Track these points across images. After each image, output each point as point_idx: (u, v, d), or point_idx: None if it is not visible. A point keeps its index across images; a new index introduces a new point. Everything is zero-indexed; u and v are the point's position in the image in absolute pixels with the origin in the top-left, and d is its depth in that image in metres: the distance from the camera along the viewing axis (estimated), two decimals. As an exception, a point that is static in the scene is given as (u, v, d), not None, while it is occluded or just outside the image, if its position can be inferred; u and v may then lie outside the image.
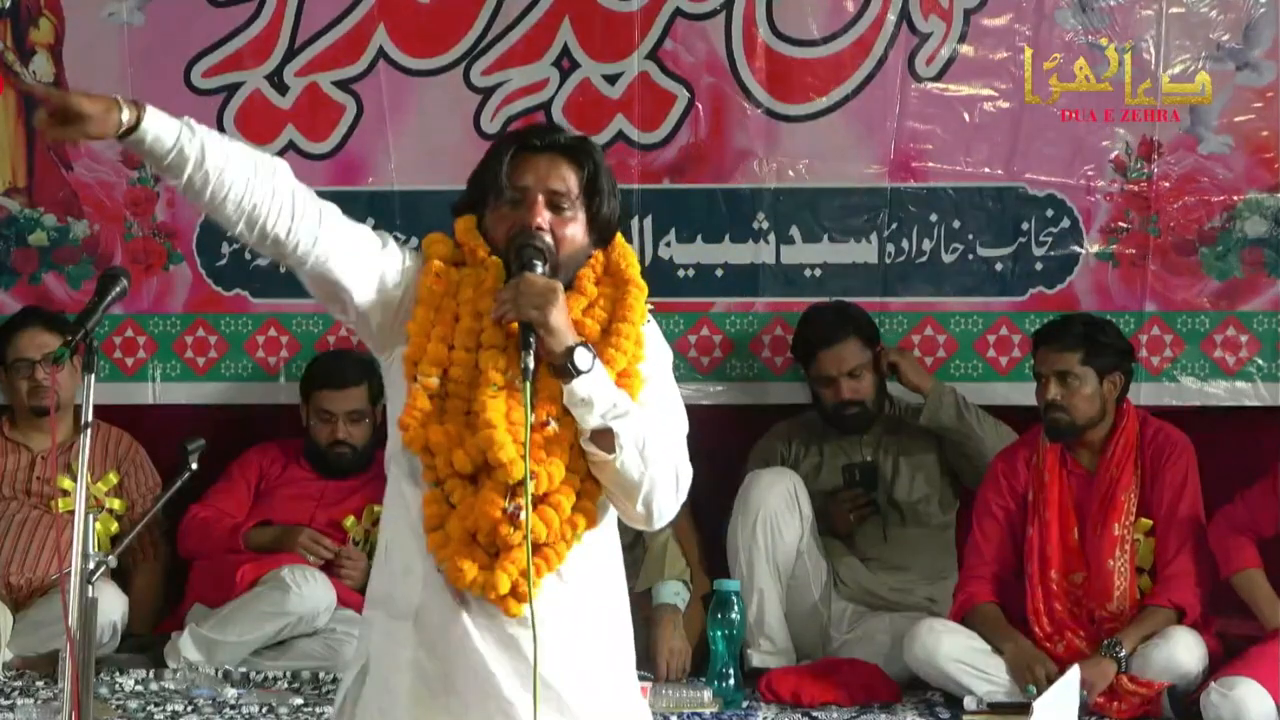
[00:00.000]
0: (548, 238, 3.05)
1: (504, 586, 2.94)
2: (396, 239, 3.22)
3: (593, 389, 2.96)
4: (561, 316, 2.96)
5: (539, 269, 3.01)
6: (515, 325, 2.99)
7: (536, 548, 2.96)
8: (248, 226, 3.04)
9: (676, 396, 3.16)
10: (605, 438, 2.98)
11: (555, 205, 3.08)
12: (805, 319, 5.69)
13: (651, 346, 3.12)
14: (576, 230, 3.09)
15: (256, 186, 3.00)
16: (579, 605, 3.06)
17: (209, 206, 2.99)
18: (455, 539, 2.97)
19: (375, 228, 6.23)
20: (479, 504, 2.95)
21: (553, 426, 2.98)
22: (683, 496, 3.11)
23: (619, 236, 3.18)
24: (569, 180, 3.09)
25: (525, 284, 2.97)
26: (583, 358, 2.95)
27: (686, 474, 3.10)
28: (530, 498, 2.94)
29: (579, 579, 3.05)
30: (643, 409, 3.02)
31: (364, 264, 3.14)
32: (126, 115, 2.98)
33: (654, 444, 3.02)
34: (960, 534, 5.55)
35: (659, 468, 3.03)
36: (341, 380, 5.74)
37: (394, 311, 3.10)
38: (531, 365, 2.94)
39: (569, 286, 3.06)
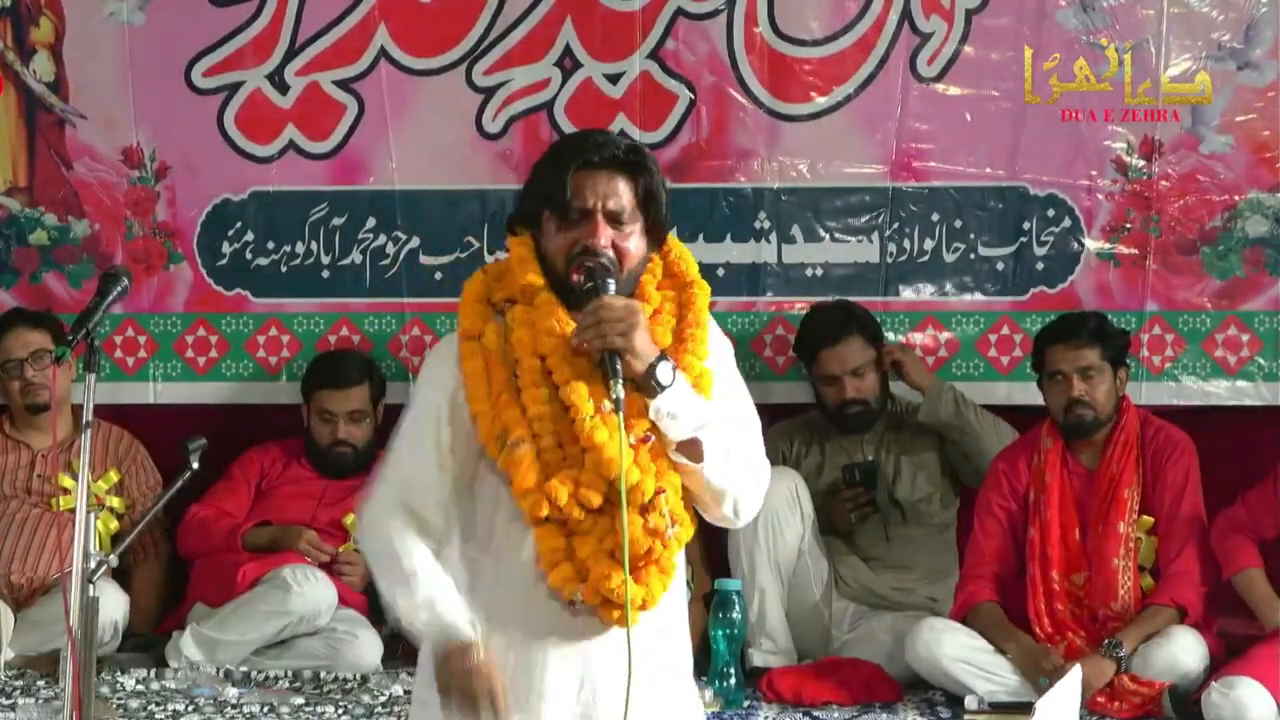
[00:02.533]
0: (610, 253, 3.03)
1: (641, 596, 2.97)
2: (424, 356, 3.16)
3: (677, 402, 2.97)
4: (644, 336, 2.95)
5: (612, 288, 2.98)
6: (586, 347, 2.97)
7: (657, 558, 2.99)
8: None
9: (744, 388, 3.16)
10: (692, 447, 2.99)
11: (614, 220, 3.05)
12: (809, 318, 5.69)
13: (715, 341, 3.12)
14: (637, 242, 3.07)
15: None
16: (657, 610, 3.07)
17: None
18: (588, 562, 2.97)
19: (376, 227, 6.29)
20: (624, 528, 2.94)
21: (653, 440, 2.99)
22: (763, 493, 3.12)
23: (672, 235, 3.16)
24: (627, 195, 3.06)
25: (605, 309, 2.93)
26: (665, 373, 2.95)
27: (766, 471, 3.12)
28: (662, 515, 2.97)
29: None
30: (716, 408, 3.03)
31: (450, 474, 3.08)
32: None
33: (737, 447, 3.04)
34: (962, 533, 5.55)
35: (743, 469, 3.05)
36: (343, 380, 5.74)
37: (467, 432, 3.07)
38: (623, 395, 2.92)
39: (631, 295, 3.04)
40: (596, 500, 2.95)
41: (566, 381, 2.98)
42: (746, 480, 3.07)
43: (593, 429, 2.95)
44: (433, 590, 2.99)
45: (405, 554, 3.01)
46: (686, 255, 3.16)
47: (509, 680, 2.99)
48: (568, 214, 3.03)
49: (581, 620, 3.02)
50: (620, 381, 2.92)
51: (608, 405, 2.94)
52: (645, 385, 2.95)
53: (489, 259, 5.92)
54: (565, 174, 3.05)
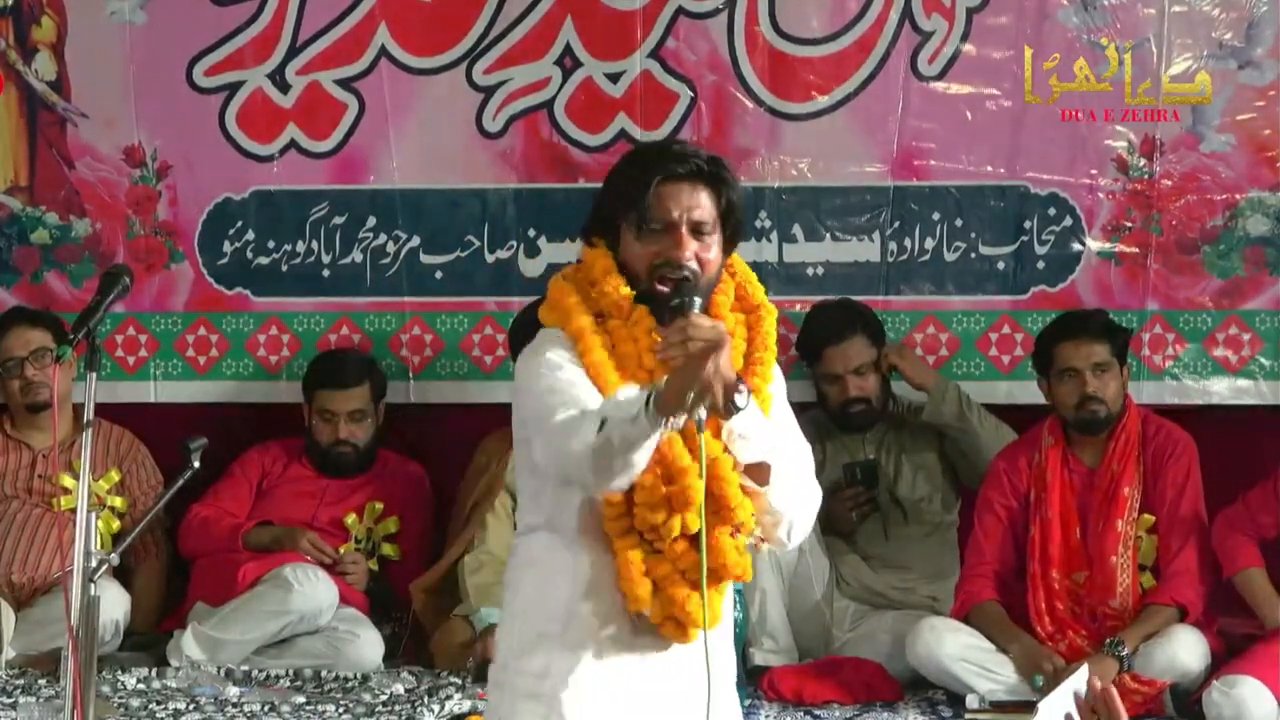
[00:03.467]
0: (694, 265, 3.02)
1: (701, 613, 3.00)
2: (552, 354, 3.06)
3: (750, 425, 2.97)
4: (729, 360, 2.93)
5: (698, 306, 2.96)
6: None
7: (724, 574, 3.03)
8: None
9: (793, 416, 3.19)
10: (760, 470, 3.01)
11: (697, 232, 3.04)
12: (812, 316, 5.69)
13: (774, 367, 3.15)
14: (716, 252, 3.06)
15: None
16: (721, 625, 3.12)
17: None
18: (663, 581, 3.00)
19: (377, 226, 6.30)
20: (715, 546, 2.97)
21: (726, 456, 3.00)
22: (814, 518, 3.15)
23: (736, 256, 3.16)
24: (709, 207, 3.04)
25: (694, 328, 2.90)
26: (742, 397, 2.94)
27: (818, 496, 3.14)
28: (751, 534, 3.02)
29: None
30: (779, 430, 3.05)
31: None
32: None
33: (796, 475, 3.06)
34: (963, 533, 5.55)
35: (802, 495, 3.08)
36: (343, 380, 5.74)
37: None
38: (704, 416, 2.90)
39: (705, 310, 3.02)
40: (696, 524, 2.96)
41: None
42: (803, 505, 3.09)
43: (681, 455, 2.94)
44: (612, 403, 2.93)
45: (592, 415, 2.93)
46: (753, 278, 3.16)
47: (578, 685, 3.02)
48: (649, 225, 3.02)
49: (644, 636, 3.04)
50: (704, 404, 2.90)
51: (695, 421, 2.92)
52: (722, 407, 2.94)
53: (489, 258, 5.93)
54: (649, 185, 3.02)
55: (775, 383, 3.12)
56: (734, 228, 3.08)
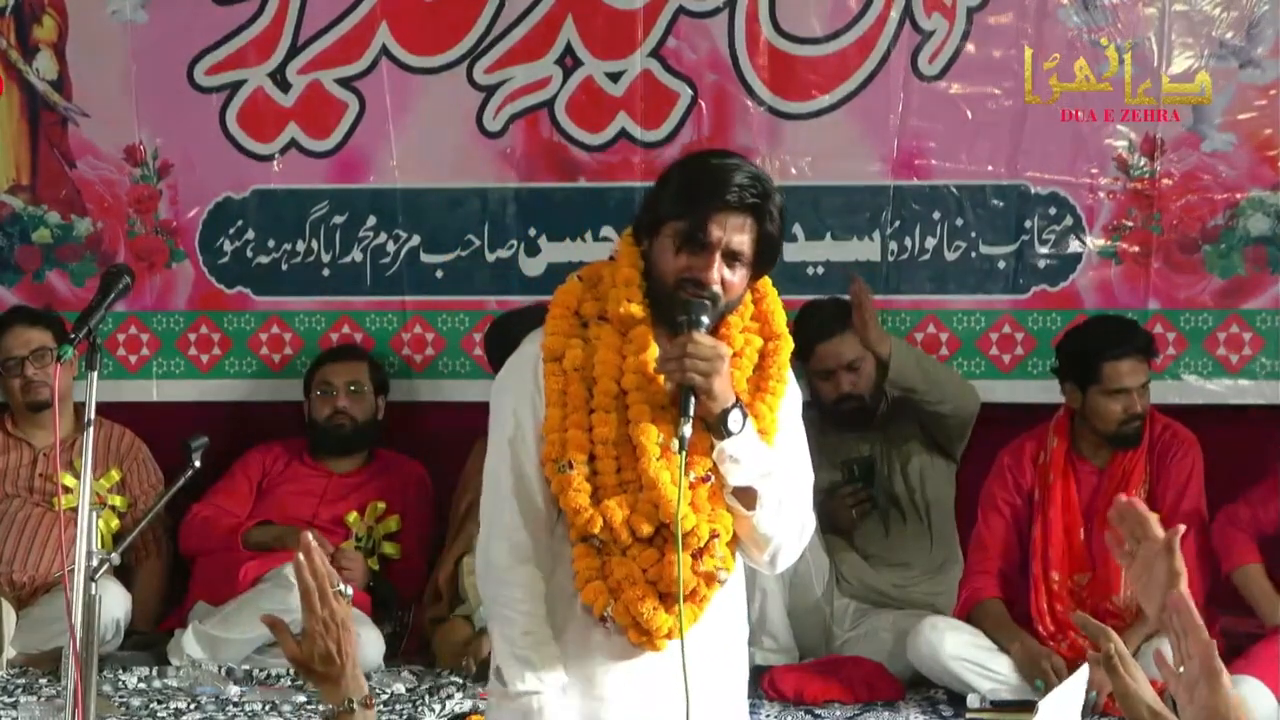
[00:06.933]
0: (717, 288, 3.06)
1: (663, 622, 3.04)
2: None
3: (742, 449, 3.02)
4: (724, 382, 3.00)
5: (705, 325, 3.02)
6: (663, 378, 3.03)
7: (701, 596, 3.08)
8: None
9: (804, 442, 3.21)
10: (747, 494, 3.05)
11: (730, 258, 3.07)
12: (804, 313, 5.67)
13: (789, 391, 3.18)
14: (743, 277, 3.10)
15: None
16: (709, 635, 3.12)
17: None
18: (623, 584, 3.04)
19: (377, 225, 6.31)
20: (668, 565, 3.02)
21: (713, 480, 3.05)
22: (804, 546, 3.20)
23: (767, 280, 3.20)
24: (749, 236, 3.07)
25: (694, 346, 2.98)
26: (735, 420, 3.00)
27: (811, 524, 3.19)
28: (714, 558, 3.06)
29: (711, 612, 3.14)
30: (778, 457, 3.08)
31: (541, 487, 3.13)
32: None
33: (789, 503, 3.10)
34: (963, 529, 5.54)
35: (791, 522, 3.12)
36: (344, 355, 5.82)
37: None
38: (688, 435, 2.97)
39: (716, 329, 3.08)
40: (648, 530, 3.02)
41: (639, 420, 3.03)
42: (792, 533, 3.13)
43: (656, 470, 3.00)
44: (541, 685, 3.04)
45: (529, 629, 3.06)
46: (777, 305, 3.20)
47: (556, 689, 3.07)
48: (691, 239, 3.05)
49: (620, 641, 3.07)
50: (690, 421, 2.97)
51: (675, 444, 2.99)
52: (715, 427, 3.01)
53: (489, 257, 5.93)
54: (703, 212, 3.04)
55: (788, 410, 3.15)
56: (768, 260, 3.13)
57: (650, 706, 3.09)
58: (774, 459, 3.08)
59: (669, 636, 3.04)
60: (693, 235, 3.04)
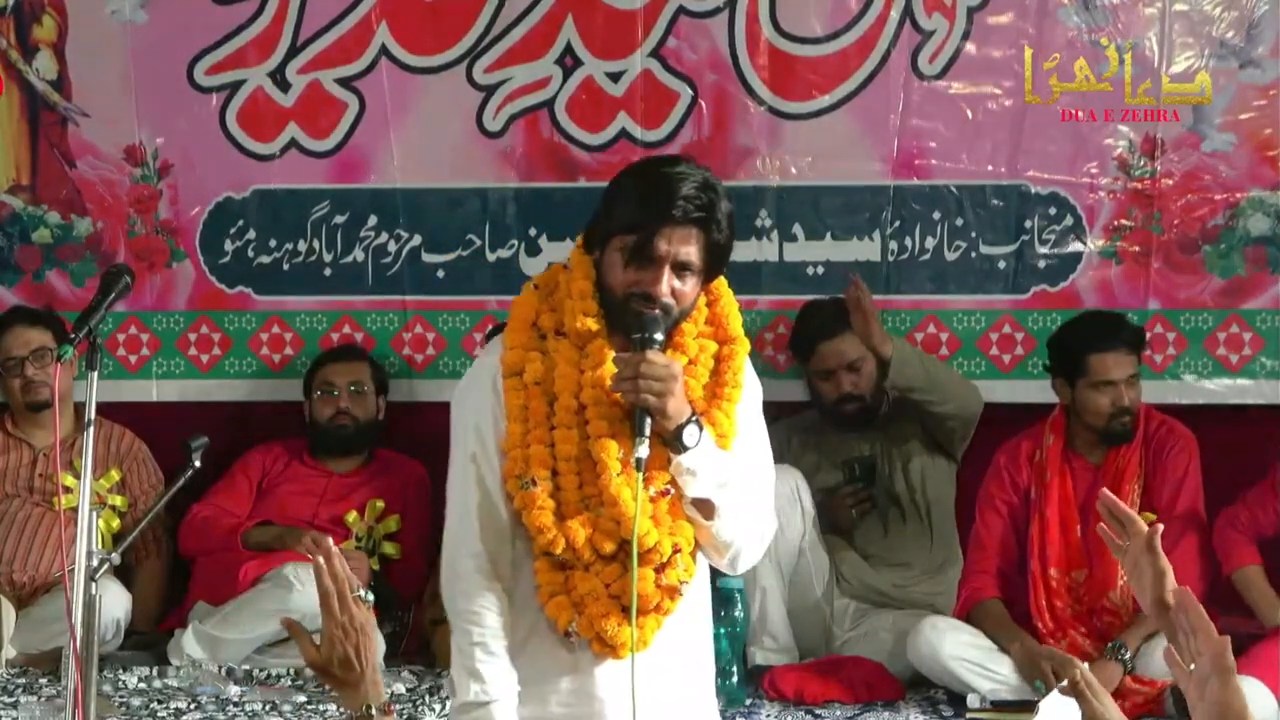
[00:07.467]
0: (668, 300, 3.06)
1: (627, 636, 3.05)
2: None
3: (699, 462, 3.03)
4: (678, 401, 3.00)
5: (658, 342, 3.03)
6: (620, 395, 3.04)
7: (665, 610, 3.09)
8: None
9: (765, 440, 3.21)
10: (705, 504, 3.07)
11: (679, 269, 3.08)
12: (804, 313, 5.69)
13: (747, 386, 3.17)
14: (694, 286, 3.11)
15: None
16: (673, 640, 3.14)
17: None
18: (587, 599, 3.05)
19: (378, 225, 6.30)
20: (633, 586, 3.02)
21: (672, 493, 3.06)
22: (765, 547, 3.20)
23: (722, 282, 3.21)
24: (698, 248, 3.08)
25: (646, 366, 2.98)
26: (691, 435, 3.01)
27: (772, 526, 3.19)
28: (676, 570, 3.07)
29: (674, 617, 3.14)
30: (737, 463, 3.09)
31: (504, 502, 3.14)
32: None
33: (749, 507, 3.11)
34: (963, 528, 5.54)
35: (750, 529, 3.13)
36: (345, 355, 5.82)
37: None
38: (645, 455, 2.98)
39: (670, 336, 3.09)
40: (610, 547, 3.04)
41: (599, 436, 3.04)
42: (751, 536, 3.14)
43: (617, 487, 3.01)
44: (487, 695, 3.08)
45: (479, 640, 3.09)
46: (733, 307, 3.20)
47: (510, 696, 3.09)
48: (638, 253, 3.05)
49: (584, 651, 3.09)
50: (646, 441, 2.98)
51: (634, 460, 3.00)
52: (671, 443, 3.01)
53: (490, 257, 5.94)
54: (649, 223, 3.05)
55: (745, 404, 3.15)
56: (717, 269, 3.14)
57: (615, 717, 3.10)
58: (732, 467, 3.08)
59: (624, 648, 3.06)
60: (640, 250, 3.04)
